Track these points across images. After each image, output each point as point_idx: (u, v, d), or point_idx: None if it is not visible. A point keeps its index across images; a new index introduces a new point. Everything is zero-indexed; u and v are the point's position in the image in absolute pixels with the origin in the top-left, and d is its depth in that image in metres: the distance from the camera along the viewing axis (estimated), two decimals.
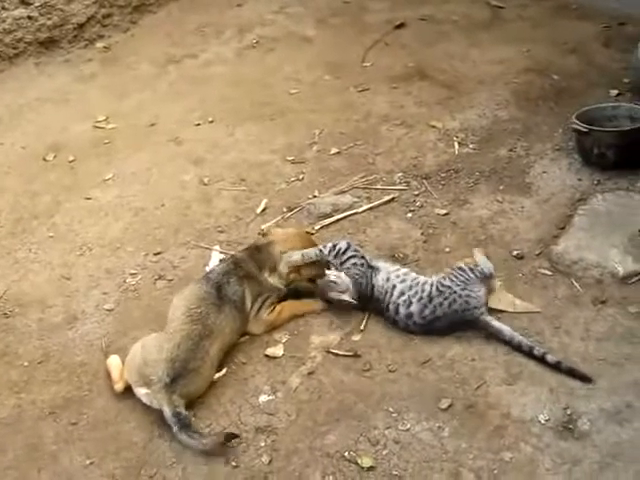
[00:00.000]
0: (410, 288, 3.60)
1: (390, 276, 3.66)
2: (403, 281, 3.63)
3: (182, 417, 3.19)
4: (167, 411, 3.20)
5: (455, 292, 3.52)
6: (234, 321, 3.58)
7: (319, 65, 6.15)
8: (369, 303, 3.69)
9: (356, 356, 3.49)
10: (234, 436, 3.15)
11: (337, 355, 3.51)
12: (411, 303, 3.55)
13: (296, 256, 3.71)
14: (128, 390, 3.41)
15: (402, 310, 3.56)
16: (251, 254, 3.79)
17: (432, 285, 3.57)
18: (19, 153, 5.44)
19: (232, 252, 4.14)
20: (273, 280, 3.74)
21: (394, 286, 3.61)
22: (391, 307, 3.59)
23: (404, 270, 3.72)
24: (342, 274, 3.69)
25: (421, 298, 3.55)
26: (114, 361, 3.53)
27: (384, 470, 3.00)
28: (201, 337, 3.38)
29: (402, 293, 3.59)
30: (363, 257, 3.76)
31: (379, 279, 3.66)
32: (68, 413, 3.42)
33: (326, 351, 3.55)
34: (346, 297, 3.65)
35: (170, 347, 3.32)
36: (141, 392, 3.33)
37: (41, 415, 3.43)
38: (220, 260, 4.05)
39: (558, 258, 3.85)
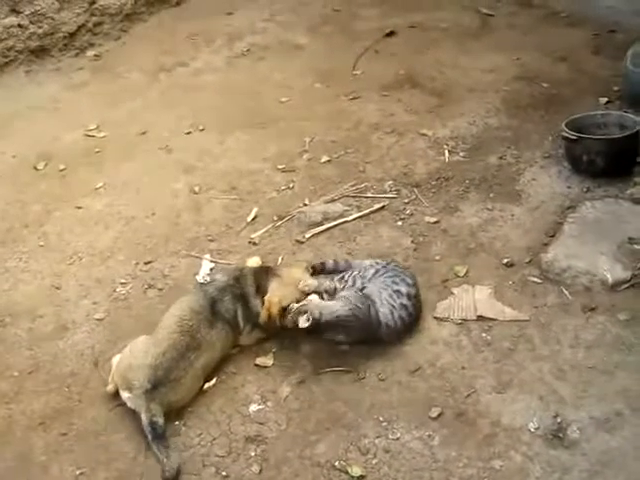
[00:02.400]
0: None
1: (382, 300, 3.54)
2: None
3: (157, 427, 3.20)
4: (144, 418, 3.22)
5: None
6: (226, 337, 3.57)
7: (310, 73, 6.16)
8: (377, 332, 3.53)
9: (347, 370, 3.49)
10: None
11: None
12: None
13: (312, 280, 3.59)
14: (118, 399, 3.41)
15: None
16: (257, 273, 3.73)
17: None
18: (9, 162, 5.43)
19: (223, 261, 4.16)
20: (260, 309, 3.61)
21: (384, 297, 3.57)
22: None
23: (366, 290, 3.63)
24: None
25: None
26: (115, 361, 3.52)
27: (374, 479, 3.00)
28: (187, 348, 3.38)
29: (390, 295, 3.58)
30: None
31: (381, 311, 3.51)
32: (58, 423, 3.41)
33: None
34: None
35: (155, 354, 3.33)
36: (125, 396, 3.33)
37: (31, 425, 3.42)
38: (211, 269, 4.07)
39: (548, 266, 3.86)
